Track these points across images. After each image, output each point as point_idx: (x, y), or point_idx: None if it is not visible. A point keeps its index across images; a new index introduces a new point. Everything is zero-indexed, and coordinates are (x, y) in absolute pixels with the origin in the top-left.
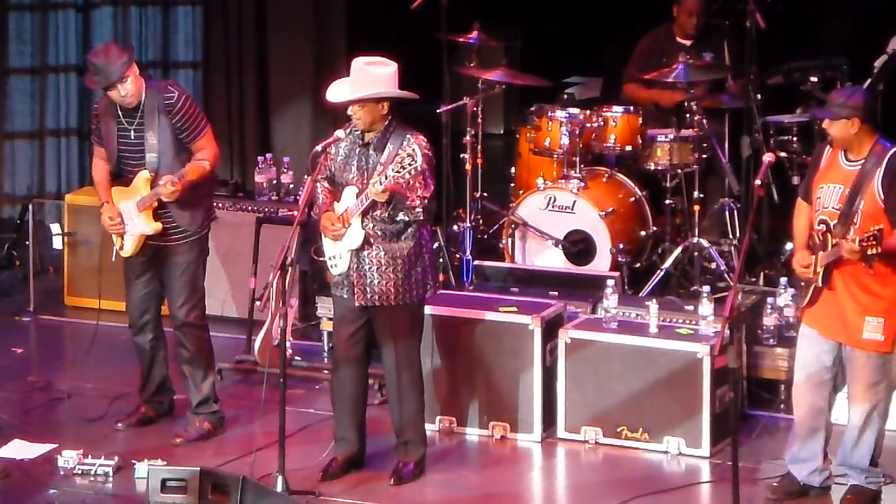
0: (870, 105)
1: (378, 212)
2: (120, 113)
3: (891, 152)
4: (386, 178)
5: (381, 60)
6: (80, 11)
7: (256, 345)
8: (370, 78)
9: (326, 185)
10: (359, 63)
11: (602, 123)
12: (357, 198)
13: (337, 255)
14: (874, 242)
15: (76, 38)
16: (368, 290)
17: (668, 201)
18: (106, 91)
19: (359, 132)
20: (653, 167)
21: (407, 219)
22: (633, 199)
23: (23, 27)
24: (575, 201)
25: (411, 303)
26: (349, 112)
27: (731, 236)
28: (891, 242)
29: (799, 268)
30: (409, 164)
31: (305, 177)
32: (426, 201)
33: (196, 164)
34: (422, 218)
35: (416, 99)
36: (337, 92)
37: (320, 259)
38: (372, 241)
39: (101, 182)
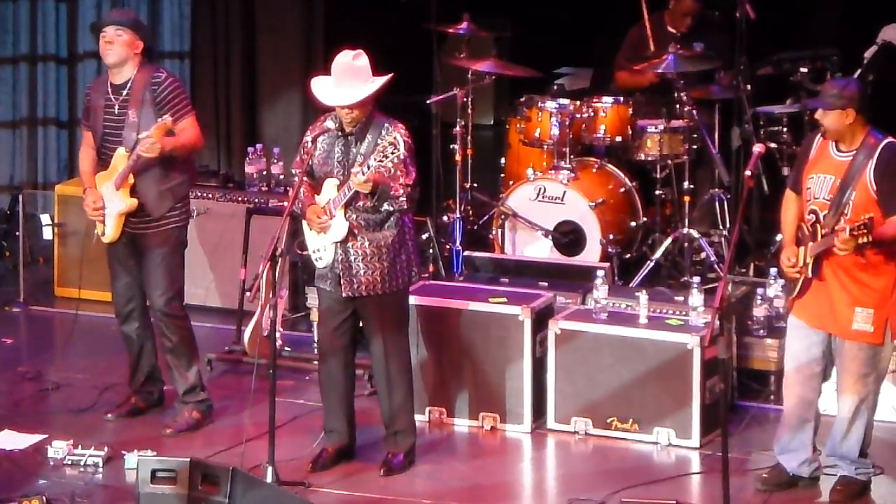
0: (864, 96)
1: (361, 202)
2: (110, 89)
3: (883, 143)
4: (368, 169)
5: (357, 52)
6: (65, 1)
7: (246, 335)
8: (361, 73)
9: (306, 178)
10: (346, 60)
11: (592, 114)
12: (338, 190)
13: (321, 248)
14: (864, 231)
15: (60, 27)
16: (355, 281)
17: (658, 192)
18: (97, 35)
19: (337, 124)
20: (643, 158)
21: (392, 209)
22: (623, 189)
23: (6, 16)
24: (565, 192)
25: (397, 291)
26: (343, 112)
27: (721, 227)
28: (882, 232)
29: (785, 266)
30: (392, 153)
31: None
32: (409, 189)
33: (176, 136)
34: (406, 206)
35: (393, 80)
36: (334, 94)
37: (304, 253)
38: (356, 231)
39: (86, 169)
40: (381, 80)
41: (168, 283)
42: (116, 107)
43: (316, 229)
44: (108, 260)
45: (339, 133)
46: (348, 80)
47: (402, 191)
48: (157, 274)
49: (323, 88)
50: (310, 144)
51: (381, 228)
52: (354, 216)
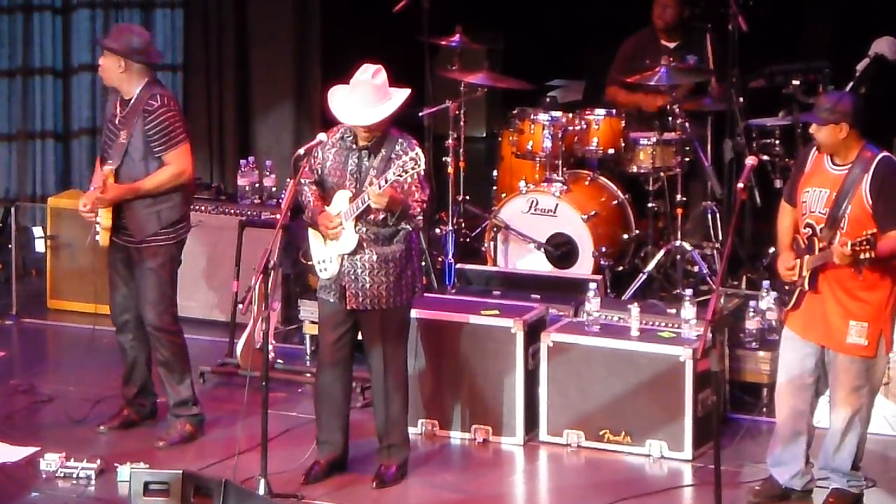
0: (858, 110)
1: (372, 216)
2: (119, 102)
3: (878, 158)
4: (386, 182)
5: (377, 69)
6: (59, 14)
7: (239, 348)
8: (381, 90)
9: (315, 188)
10: (366, 77)
11: (584, 126)
12: (351, 202)
13: (327, 258)
14: (867, 247)
15: (55, 40)
16: (360, 294)
17: (650, 204)
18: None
19: (351, 137)
20: (635, 170)
21: (409, 227)
22: (615, 202)
23: (0, 29)
24: (557, 204)
25: (401, 306)
26: (362, 130)
27: (713, 239)
28: (882, 247)
29: (784, 270)
30: (413, 169)
31: (288, 180)
32: (425, 205)
33: (150, 177)
34: (421, 224)
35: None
36: (355, 113)
37: (308, 263)
38: (364, 244)
39: (97, 167)
40: (399, 97)
41: (158, 297)
42: (118, 120)
43: (328, 236)
44: (108, 270)
45: (354, 146)
46: (369, 97)
47: (418, 208)
48: (146, 287)
49: (341, 106)
50: (303, 157)
51: (390, 243)
52: (364, 229)
